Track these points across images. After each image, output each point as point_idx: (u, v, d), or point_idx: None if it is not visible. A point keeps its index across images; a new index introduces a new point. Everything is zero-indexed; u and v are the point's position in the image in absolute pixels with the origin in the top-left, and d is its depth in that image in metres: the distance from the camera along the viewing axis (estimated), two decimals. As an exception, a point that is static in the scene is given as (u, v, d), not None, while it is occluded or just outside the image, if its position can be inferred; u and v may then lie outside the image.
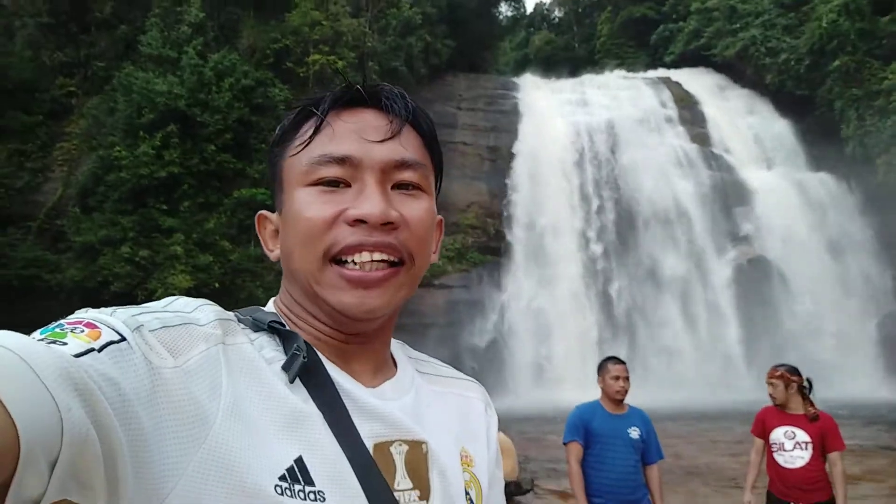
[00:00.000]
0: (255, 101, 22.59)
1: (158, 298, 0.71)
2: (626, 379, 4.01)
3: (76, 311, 0.61)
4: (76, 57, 24.92)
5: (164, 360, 0.59)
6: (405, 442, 0.73)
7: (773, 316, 21.88)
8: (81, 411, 0.49)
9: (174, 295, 0.71)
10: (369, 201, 0.70)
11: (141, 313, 0.62)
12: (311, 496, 0.63)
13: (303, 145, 0.74)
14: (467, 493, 0.78)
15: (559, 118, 27.40)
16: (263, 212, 0.82)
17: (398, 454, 0.72)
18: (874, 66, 24.64)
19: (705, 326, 22.58)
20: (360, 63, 24.11)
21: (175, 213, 21.50)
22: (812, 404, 4.31)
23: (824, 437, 4.14)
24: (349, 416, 0.70)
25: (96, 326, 0.57)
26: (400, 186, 0.74)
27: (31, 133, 23.94)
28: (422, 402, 0.80)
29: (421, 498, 0.72)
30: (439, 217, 0.84)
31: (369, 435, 0.70)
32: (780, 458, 4.19)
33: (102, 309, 0.61)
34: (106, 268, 20.09)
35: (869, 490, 7.83)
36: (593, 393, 4.19)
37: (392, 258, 0.72)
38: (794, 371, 4.32)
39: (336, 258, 0.71)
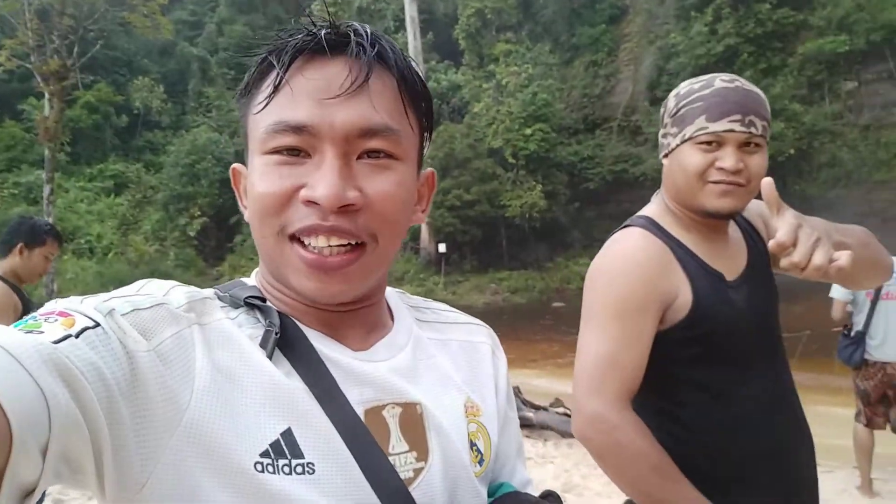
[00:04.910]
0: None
1: None
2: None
3: (46, 304, 0.59)
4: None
5: (137, 344, 0.57)
6: (398, 404, 0.70)
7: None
8: (67, 396, 0.49)
9: None
10: (323, 182, 0.62)
11: (111, 298, 0.61)
12: (299, 469, 0.61)
13: (263, 104, 0.65)
14: (474, 445, 0.75)
15: None
16: (236, 165, 0.75)
17: (391, 417, 0.69)
18: None
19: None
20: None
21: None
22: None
23: None
24: (336, 384, 0.66)
25: (69, 315, 0.56)
26: (369, 153, 0.65)
27: (597, 43, 26.72)
28: (419, 356, 0.76)
29: (419, 459, 0.69)
30: (430, 170, 0.77)
31: (359, 401, 0.67)
32: None
33: (72, 298, 0.60)
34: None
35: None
36: None
37: (352, 241, 0.65)
38: None
39: (294, 236, 0.65)
